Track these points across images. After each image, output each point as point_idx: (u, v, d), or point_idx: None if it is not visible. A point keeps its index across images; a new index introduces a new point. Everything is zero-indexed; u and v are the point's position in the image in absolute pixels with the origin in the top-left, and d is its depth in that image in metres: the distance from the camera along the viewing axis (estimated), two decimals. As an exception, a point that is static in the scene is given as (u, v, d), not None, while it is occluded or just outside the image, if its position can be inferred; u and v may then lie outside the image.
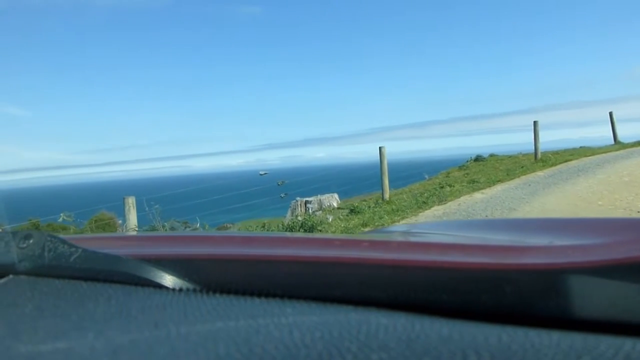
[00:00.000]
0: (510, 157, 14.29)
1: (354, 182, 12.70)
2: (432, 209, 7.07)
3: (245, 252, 0.62)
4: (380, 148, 8.82)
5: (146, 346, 0.41)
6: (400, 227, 1.18)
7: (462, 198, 7.62)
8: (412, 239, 0.85)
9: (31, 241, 0.63)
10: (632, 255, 0.44)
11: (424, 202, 7.57)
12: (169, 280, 0.59)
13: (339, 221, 7.26)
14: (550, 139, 11.59)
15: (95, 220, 11.83)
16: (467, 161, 14.76)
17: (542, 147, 12.35)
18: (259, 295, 0.54)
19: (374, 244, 0.63)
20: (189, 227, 9.71)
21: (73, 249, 0.61)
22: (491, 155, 15.03)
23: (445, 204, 7.31)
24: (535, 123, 11.94)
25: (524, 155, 13.75)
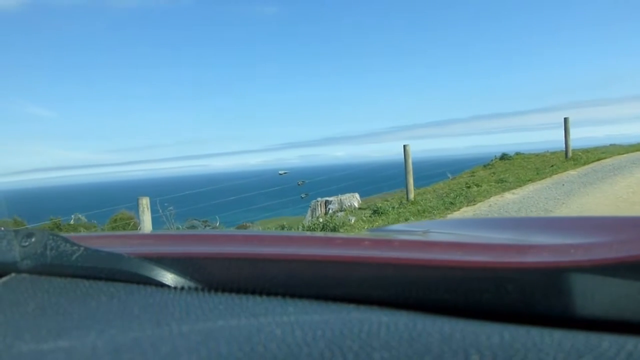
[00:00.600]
0: (537, 155, 13.83)
1: (375, 181, 12.40)
2: (461, 210, 6.73)
3: (247, 250, 0.61)
4: (404, 146, 8.50)
5: (148, 344, 0.40)
6: (402, 226, 1.15)
7: (492, 199, 7.26)
8: (414, 237, 0.83)
9: (33, 239, 0.62)
10: (634, 254, 0.43)
11: (451, 203, 7.23)
12: (170, 278, 0.58)
13: (362, 222, 6.97)
14: (574, 137, 11.16)
15: (115, 220, 11.82)
16: (493, 160, 14.32)
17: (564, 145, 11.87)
18: (261, 293, 0.54)
19: (375, 243, 0.62)
20: (209, 225, 9.65)
21: (75, 248, 0.61)
22: (517, 154, 14.56)
23: (474, 204, 6.96)
24: (565, 120, 11.47)
25: (552, 153, 13.29)
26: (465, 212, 6.58)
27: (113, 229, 10.69)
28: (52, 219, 11.92)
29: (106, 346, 0.41)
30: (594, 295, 0.43)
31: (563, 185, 7.89)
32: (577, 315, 0.43)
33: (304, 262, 0.56)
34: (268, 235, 0.75)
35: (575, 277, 0.44)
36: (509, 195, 7.42)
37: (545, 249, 0.53)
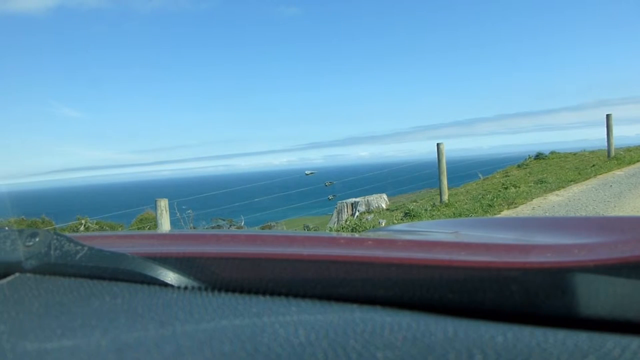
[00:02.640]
0: (574, 154, 13.25)
1: (401, 182, 12.03)
2: (501, 213, 6.30)
3: (250, 250, 0.61)
4: (438, 145, 8.12)
5: (152, 344, 0.41)
6: (405, 226, 1.14)
7: (534, 201, 6.80)
8: (417, 237, 0.80)
9: (37, 239, 0.62)
10: (639, 253, 0.43)
11: (489, 205, 6.79)
12: (174, 278, 0.58)
13: (393, 226, 6.59)
14: (602, 136, 10.65)
15: (141, 220, 11.79)
16: (527, 159, 13.76)
17: (596, 144, 11.23)
18: (264, 293, 0.54)
19: (378, 243, 0.61)
20: (234, 225, 9.53)
21: (79, 247, 0.61)
22: (553, 153, 13.96)
23: (515, 207, 6.52)
24: (608, 117, 10.85)
25: (591, 152, 12.68)
26: (506, 215, 6.14)
27: (139, 228, 10.64)
28: (79, 218, 11.98)
29: (110, 345, 0.41)
30: (598, 296, 0.43)
31: (611, 186, 7.37)
32: (580, 315, 0.43)
33: (307, 262, 0.55)
34: (271, 235, 0.75)
35: (579, 277, 0.43)
36: (552, 197, 6.94)
37: (549, 248, 0.52)
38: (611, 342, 0.36)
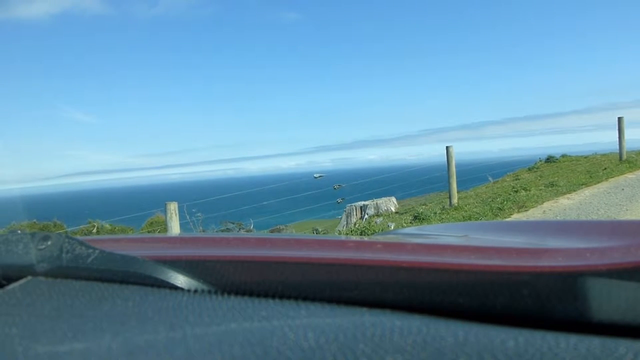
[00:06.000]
0: (585, 157, 13.15)
1: (410, 185, 11.99)
2: (512, 216, 6.26)
3: (260, 253, 0.61)
4: (447, 148, 8.10)
5: (162, 347, 0.41)
6: (414, 229, 1.14)
7: (545, 204, 6.75)
8: (426, 241, 0.80)
9: (49, 243, 0.62)
10: None
11: (499, 209, 6.76)
12: (184, 281, 0.59)
13: (403, 229, 6.57)
14: (613, 139, 10.58)
15: (151, 223, 11.87)
16: (537, 162, 13.67)
17: (608, 147, 11.12)
18: (273, 296, 0.54)
19: (388, 246, 0.62)
20: (244, 228, 9.55)
21: (90, 251, 0.61)
22: (564, 156, 13.85)
23: (526, 210, 6.48)
24: (620, 120, 10.76)
25: (603, 155, 12.59)
26: (517, 219, 6.10)
27: (149, 232, 10.70)
28: (90, 222, 12.10)
29: (121, 348, 0.41)
30: (610, 300, 0.42)
31: (623, 189, 7.30)
32: (593, 319, 0.42)
33: (317, 265, 0.55)
34: (280, 238, 0.74)
35: (591, 282, 0.43)
36: (564, 201, 6.89)
37: (561, 252, 0.51)
38: (624, 347, 0.36)
